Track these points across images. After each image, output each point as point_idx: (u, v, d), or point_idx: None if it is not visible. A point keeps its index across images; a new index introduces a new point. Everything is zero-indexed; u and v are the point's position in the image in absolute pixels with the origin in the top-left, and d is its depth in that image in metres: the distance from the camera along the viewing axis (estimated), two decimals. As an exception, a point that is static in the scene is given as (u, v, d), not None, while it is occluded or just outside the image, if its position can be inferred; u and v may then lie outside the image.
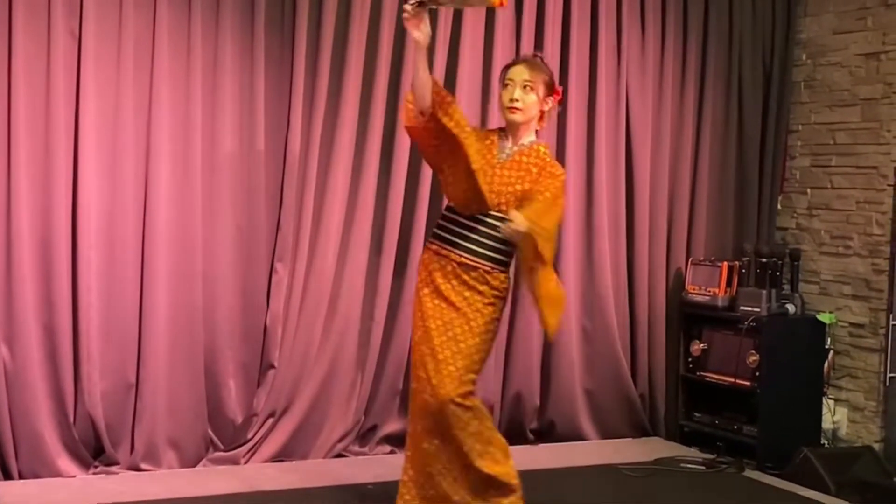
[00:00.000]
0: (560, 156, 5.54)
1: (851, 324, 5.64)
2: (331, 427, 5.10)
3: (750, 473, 5.24)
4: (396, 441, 5.25)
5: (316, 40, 4.95)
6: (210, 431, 4.91)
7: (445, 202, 4.02)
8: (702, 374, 5.75)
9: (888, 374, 5.41)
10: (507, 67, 4.00)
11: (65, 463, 4.54)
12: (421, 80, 3.80)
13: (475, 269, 3.87)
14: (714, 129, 5.96)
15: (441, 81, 4.89)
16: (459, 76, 5.25)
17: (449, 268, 3.88)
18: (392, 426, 5.25)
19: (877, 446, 5.42)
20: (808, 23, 6.01)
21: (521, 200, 3.87)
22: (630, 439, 5.76)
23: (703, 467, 5.28)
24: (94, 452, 4.64)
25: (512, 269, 4.02)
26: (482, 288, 3.89)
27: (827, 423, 5.63)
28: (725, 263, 5.67)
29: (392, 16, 5.08)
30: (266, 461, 4.95)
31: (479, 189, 3.84)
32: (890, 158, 5.49)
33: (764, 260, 5.60)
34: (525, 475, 4.73)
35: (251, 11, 4.85)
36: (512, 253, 3.94)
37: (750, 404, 5.47)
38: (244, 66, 4.86)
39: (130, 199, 4.65)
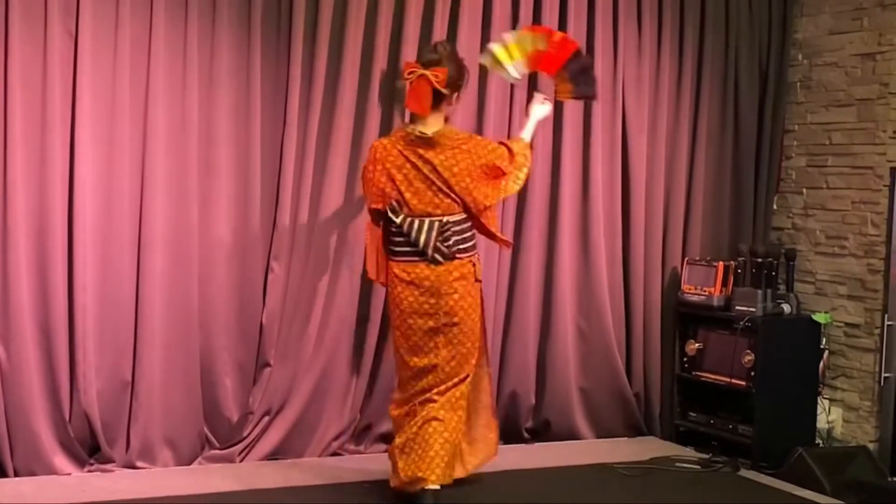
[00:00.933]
0: (556, 155, 5.56)
1: (847, 324, 5.65)
2: (326, 425, 5.10)
3: (745, 473, 5.24)
4: (392, 440, 5.24)
5: (312, 39, 4.95)
6: (206, 429, 4.92)
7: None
8: (697, 373, 5.76)
9: (883, 374, 5.41)
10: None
11: (60, 461, 4.55)
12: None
13: None
14: (710, 129, 5.96)
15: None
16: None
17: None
18: (387, 425, 5.23)
19: (872, 446, 5.43)
20: (805, 23, 6.01)
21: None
22: (625, 438, 5.77)
23: (699, 467, 5.29)
24: (89, 450, 4.65)
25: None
26: None
27: (822, 423, 5.64)
28: (721, 263, 5.67)
29: (388, 14, 5.08)
30: (261, 459, 4.95)
31: None
32: (885, 159, 5.49)
33: (759, 260, 5.61)
34: (520, 474, 4.76)
35: (248, 12, 4.85)
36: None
37: (745, 404, 5.48)
38: (240, 66, 4.86)
39: (126, 198, 4.65)
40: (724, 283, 5.65)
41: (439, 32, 5.18)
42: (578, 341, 5.68)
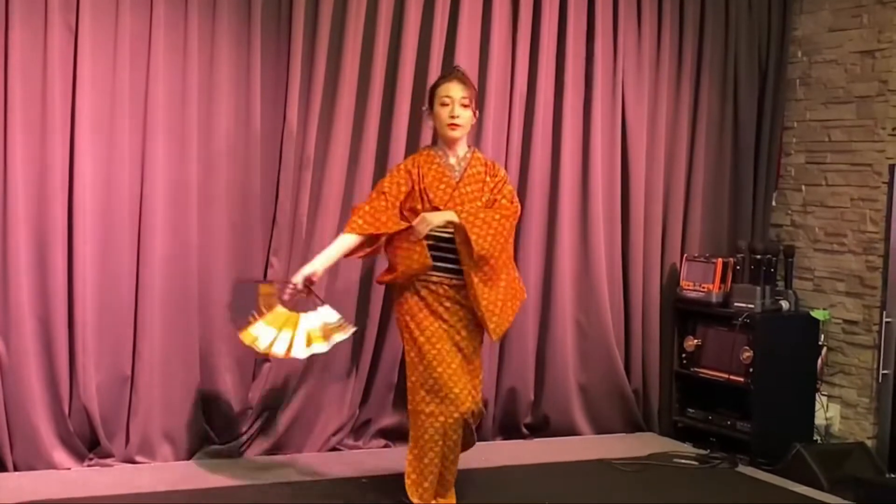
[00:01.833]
0: (556, 152, 5.56)
1: (845, 320, 5.65)
2: (325, 421, 5.11)
3: (743, 469, 5.25)
4: (390, 435, 5.27)
5: (312, 34, 4.95)
6: (205, 425, 4.92)
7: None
8: (696, 369, 5.77)
9: (881, 371, 5.42)
10: (438, 85, 4.23)
11: (60, 455, 4.56)
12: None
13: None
14: (709, 126, 5.97)
15: (437, 76, 4.91)
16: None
17: (441, 291, 4.17)
18: (386, 420, 5.26)
19: (869, 443, 5.44)
20: (804, 20, 6.02)
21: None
22: (624, 434, 5.77)
23: (697, 463, 5.30)
24: (89, 445, 4.66)
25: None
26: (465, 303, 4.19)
27: (820, 420, 5.65)
28: (720, 260, 5.68)
29: (389, 8, 5.08)
30: (261, 454, 4.96)
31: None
32: (884, 156, 5.50)
33: (758, 256, 5.61)
34: (519, 470, 4.77)
35: (248, 8, 4.85)
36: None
37: (743, 400, 5.49)
38: (240, 61, 4.86)
39: (126, 191, 4.66)
40: (723, 280, 5.66)
41: (439, 31, 5.19)
42: (577, 337, 5.68)
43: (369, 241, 4.23)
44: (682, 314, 5.85)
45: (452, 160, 4.23)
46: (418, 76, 5.16)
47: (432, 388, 4.11)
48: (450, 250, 4.15)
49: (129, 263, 4.69)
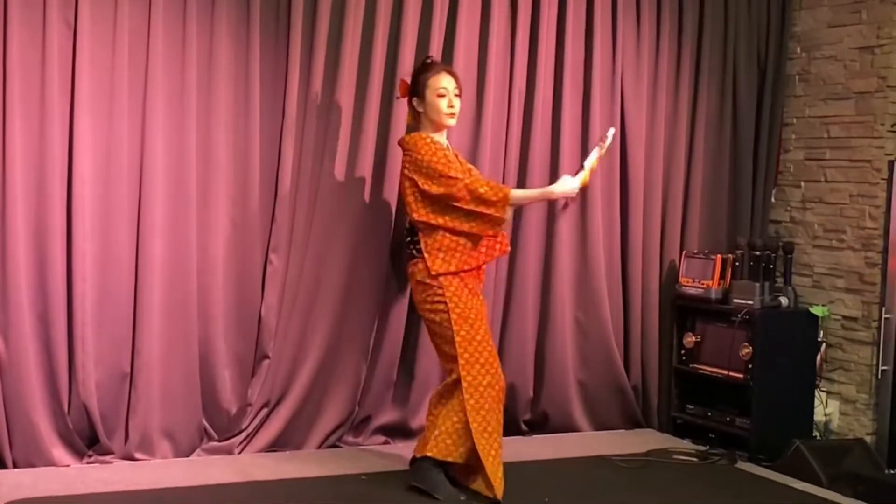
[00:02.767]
0: (555, 148, 5.56)
1: (844, 317, 5.66)
2: (325, 418, 5.11)
3: (742, 465, 5.25)
4: (390, 431, 5.27)
5: (311, 30, 4.94)
6: (204, 421, 4.92)
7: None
8: (695, 366, 5.77)
9: (880, 367, 5.43)
10: (429, 75, 4.56)
11: (59, 452, 4.55)
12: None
13: None
14: (708, 122, 5.97)
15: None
16: (454, 68, 5.24)
17: (474, 272, 4.58)
18: (386, 417, 5.26)
19: (868, 439, 5.44)
20: (803, 16, 6.01)
21: None
22: (623, 431, 5.78)
23: (696, 459, 5.30)
24: (88, 442, 4.65)
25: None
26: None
27: (819, 416, 5.65)
28: (719, 256, 5.68)
29: (387, 5, 5.08)
30: (260, 451, 4.96)
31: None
32: (884, 152, 5.50)
33: (757, 253, 5.61)
34: (518, 466, 4.76)
35: (247, 4, 4.84)
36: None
37: (742, 396, 5.49)
38: (239, 58, 4.86)
39: (125, 189, 4.65)
40: (722, 276, 5.66)
41: (438, 29, 5.18)
42: (576, 334, 5.68)
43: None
44: (681, 310, 5.85)
45: (445, 143, 4.61)
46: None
47: (486, 363, 4.39)
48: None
49: (128, 260, 4.68)
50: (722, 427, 5.55)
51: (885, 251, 5.45)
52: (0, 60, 4.38)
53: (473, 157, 5.27)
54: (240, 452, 4.93)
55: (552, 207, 5.56)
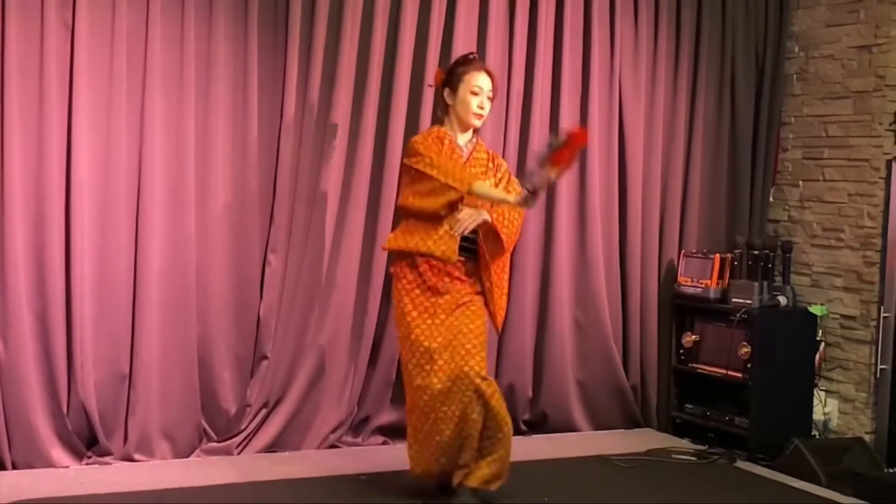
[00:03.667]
0: (553, 148, 5.55)
1: (843, 316, 5.66)
2: (324, 418, 5.11)
3: (741, 464, 5.25)
4: (389, 432, 5.27)
5: (309, 31, 4.95)
6: (203, 422, 4.92)
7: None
8: (693, 365, 5.77)
9: (879, 366, 5.43)
10: (467, 70, 4.34)
11: (58, 453, 4.55)
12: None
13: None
14: (707, 122, 5.97)
15: (433, 73, 4.93)
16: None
17: (440, 266, 4.26)
18: (385, 417, 5.26)
19: (867, 438, 5.45)
20: (801, 15, 6.02)
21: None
22: (622, 430, 5.78)
23: (695, 458, 5.30)
24: (87, 443, 4.65)
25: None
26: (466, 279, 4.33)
27: (818, 415, 5.65)
28: (717, 255, 5.68)
29: (385, 7, 5.08)
30: (259, 452, 4.96)
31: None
32: (882, 151, 5.50)
33: (756, 252, 5.61)
34: (517, 466, 4.76)
35: (244, 5, 4.85)
36: None
37: (741, 396, 5.49)
38: (237, 59, 4.86)
39: (123, 190, 4.65)
40: (721, 276, 5.66)
41: (436, 28, 5.18)
42: (575, 334, 5.69)
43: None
44: (680, 310, 5.86)
45: (461, 141, 4.39)
46: (415, 73, 5.16)
47: (418, 365, 4.19)
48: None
49: (127, 261, 4.68)
50: (721, 426, 5.55)
51: (883, 250, 5.46)
52: (-2, 61, 4.39)
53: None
54: (239, 453, 4.93)
55: (552, 208, 5.56)
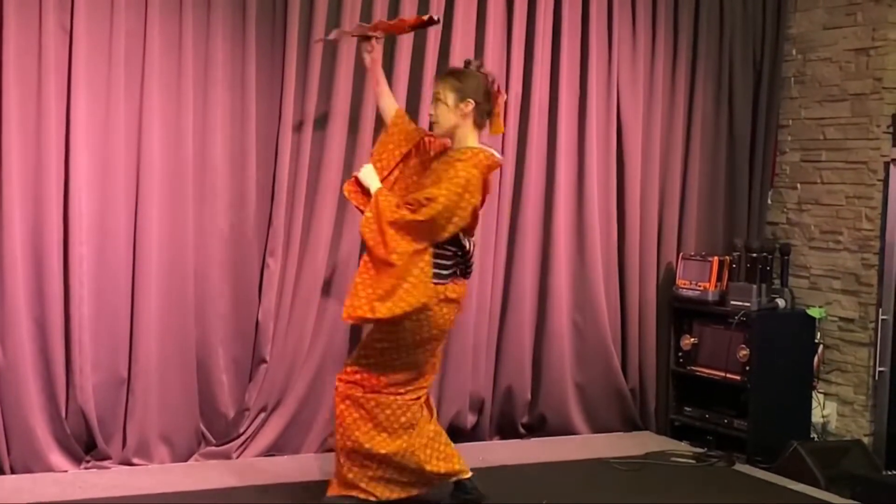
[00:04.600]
0: (551, 151, 5.56)
1: (841, 318, 5.66)
2: (322, 422, 5.10)
3: (740, 467, 5.26)
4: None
5: (307, 34, 4.94)
6: (202, 426, 4.92)
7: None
8: (692, 368, 5.77)
9: (877, 368, 5.44)
10: None
11: (56, 457, 4.55)
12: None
13: None
14: (704, 125, 5.98)
15: (431, 73, 4.93)
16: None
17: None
18: (384, 420, 5.26)
19: (866, 440, 5.45)
20: (798, 18, 6.02)
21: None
22: (621, 433, 5.78)
23: (694, 461, 5.30)
24: (85, 447, 4.65)
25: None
26: None
27: (816, 417, 5.65)
28: (716, 258, 5.69)
29: (384, 8, 5.08)
30: (258, 455, 4.96)
31: None
32: (879, 153, 5.51)
33: (754, 255, 5.62)
34: (516, 469, 4.77)
35: (242, 7, 4.84)
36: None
37: (740, 398, 5.49)
38: (235, 62, 4.86)
39: (122, 193, 4.65)
40: (719, 278, 5.66)
41: (434, 33, 5.17)
42: (574, 337, 5.69)
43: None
44: (679, 313, 5.86)
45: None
46: (413, 74, 5.16)
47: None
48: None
49: (125, 264, 4.68)
50: (720, 429, 5.55)
51: (881, 252, 5.46)
52: (-4, 64, 4.39)
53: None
54: (238, 457, 4.92)
55: (549, 208, 5.57)
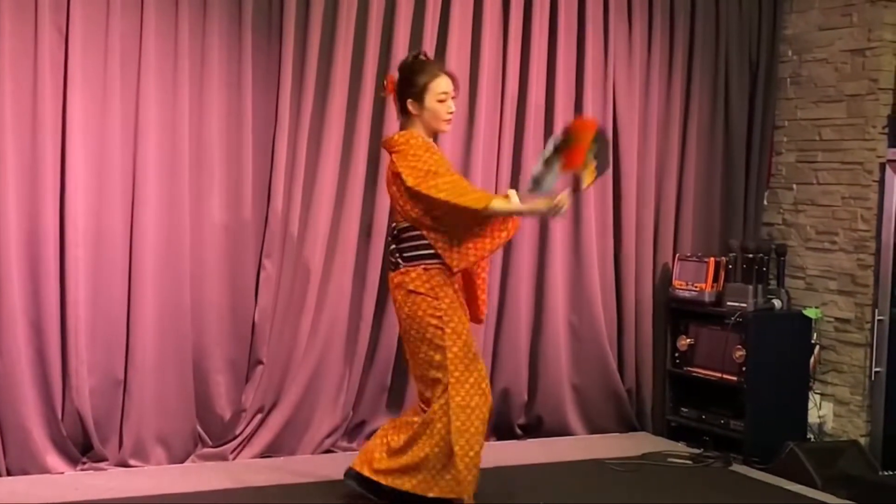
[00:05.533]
0: (547, 152, 5.56)
1: (837, 319, 5.67)
2: (319, 423, 5.10)
3: (736, 468, 5.26)
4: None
5: (303, 35, 4.95)
6: (198, 427, 4.92)
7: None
8: (689, 369, 5.77)
9: (874, 369, 5.44)
10: (429, 79, 4.13)
11: (53, 459, 4.54)
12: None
13: None
14: (700, 125, 5.98)
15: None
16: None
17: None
18: (380, 422, 5.23)
19: (862, 440, 5.45)
20: (794, 19, 6.03)
21: None
22: (617, 434, 5.78)
23: (690, 462, 5.30)
24: (82, 449, 4.64)
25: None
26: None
27: (813, 418, 5.65)
28: (712, 259, 5.69)
29: (380, 8, 5.08)
30: (254, 457, 4.95)
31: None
32: (875, 154, 5.51)
33: (750, 255, 5.62)
34: (513, 470, 4.77)
35: (238, 7, 4.84)
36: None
37: (736, 399, 5.49)
38: (231, 62, 4.86)
39: (118, 195, 4.65)
40: (716, 279, 5.66)
41: (430, 31, 5.19)
42: (570, 338, 5.69)
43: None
44: (675, 313, 5.86)
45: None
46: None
47: (476, 383, 4.12)
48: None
49: (122, 266, 4.68)
50: (716, 430, 5.55)
51: (877, 253, 5.46)
52: (-8, 67, 4.38)
53: (465, 163, 5.29)
54: (234, 458, 4.92)
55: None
